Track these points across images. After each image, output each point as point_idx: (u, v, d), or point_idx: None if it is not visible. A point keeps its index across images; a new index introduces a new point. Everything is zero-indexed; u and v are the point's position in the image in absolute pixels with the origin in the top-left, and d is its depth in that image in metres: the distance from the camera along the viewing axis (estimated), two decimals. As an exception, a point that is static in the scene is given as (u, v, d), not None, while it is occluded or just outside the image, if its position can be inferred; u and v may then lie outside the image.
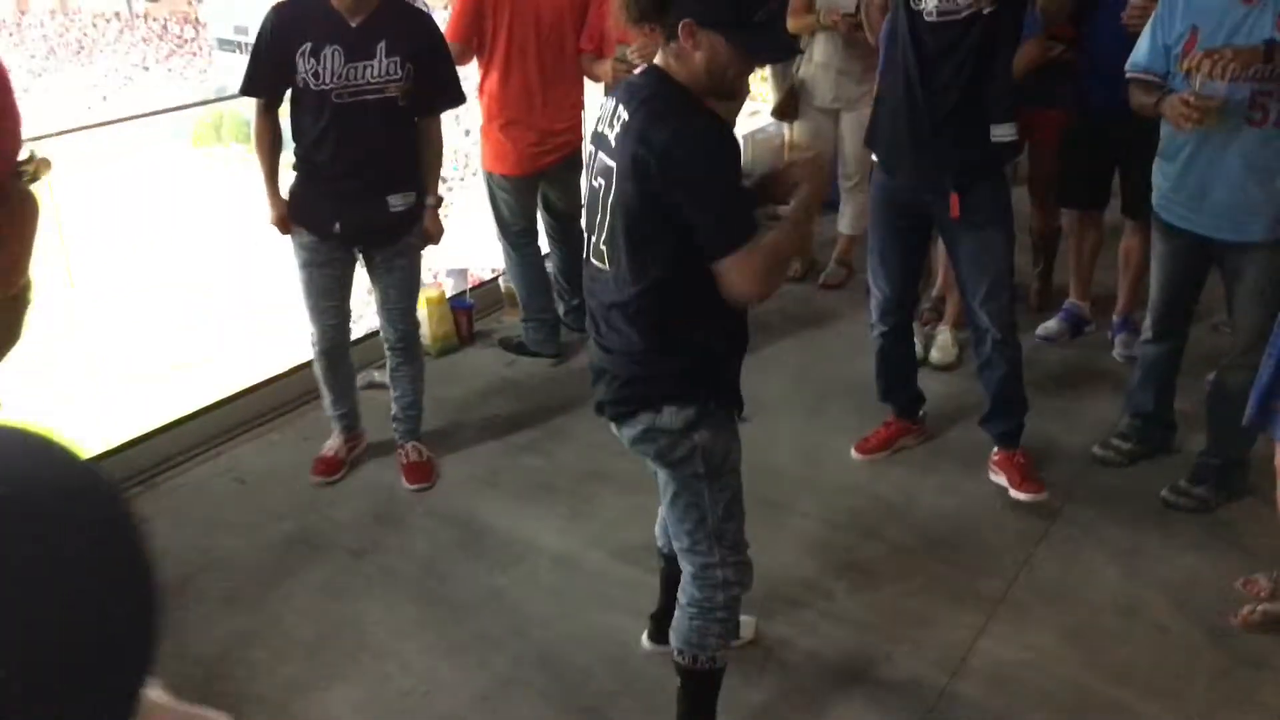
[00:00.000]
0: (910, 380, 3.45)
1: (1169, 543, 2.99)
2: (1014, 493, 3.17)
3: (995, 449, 3.26)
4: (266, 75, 2.97)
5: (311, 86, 2.90)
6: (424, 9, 3.15)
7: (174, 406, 3.78)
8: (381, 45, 2.91)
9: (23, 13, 42.92)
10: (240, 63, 3.09)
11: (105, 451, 3.44)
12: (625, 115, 1.89)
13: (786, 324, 4.27)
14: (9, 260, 0.61)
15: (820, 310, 4.47)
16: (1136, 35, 2.98)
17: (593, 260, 2.03)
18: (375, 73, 2.92)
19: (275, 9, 2.96)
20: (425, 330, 4.18)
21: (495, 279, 4.72)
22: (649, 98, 1.88)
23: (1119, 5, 3.39)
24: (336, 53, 2.88)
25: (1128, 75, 2.94)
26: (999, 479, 3.23)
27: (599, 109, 2.05)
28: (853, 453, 3.44)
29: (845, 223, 4.64)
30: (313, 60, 2.88)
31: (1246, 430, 2.72)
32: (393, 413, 3.45)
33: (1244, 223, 2.81)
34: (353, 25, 2.90)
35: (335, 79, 2.90)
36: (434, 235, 3.28)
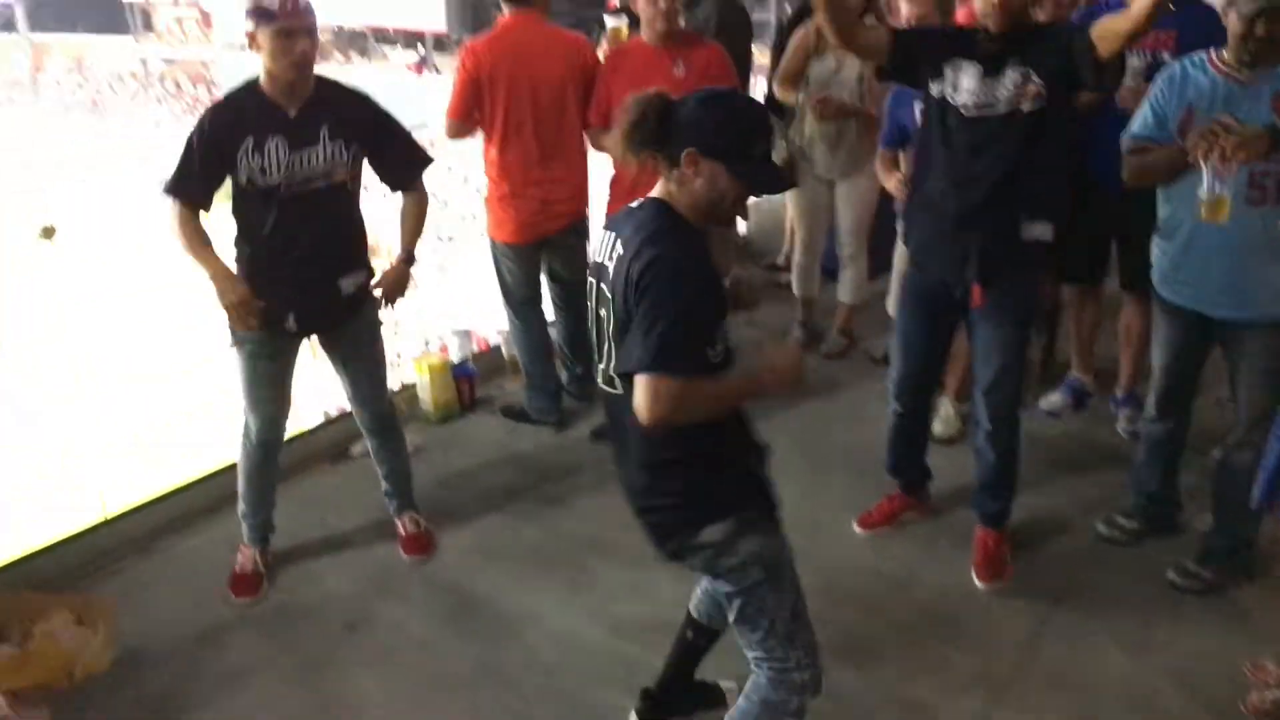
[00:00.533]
0: (920, 457, 3.42)
1: (1176, 625, 2.94)
2: (973, 574, 3.14)
3: (979, 523, 3.23)
4: (201, 180, 2.82)
5: (259, 183, 2.83)
6: (362, 89, 3.04)
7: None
8: (324, 130, 2.86)
9: (38, 70, 43.64)
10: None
11: (102, 520, 3.42)
12: (621, 249, 1.95)
13: (789, 394, 4.24)
14: None
15: (823, 380, 4.45)
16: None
17: (604, 387, 2.08)
18: (321, 159, 2.86)
19: (211, 110, 2.87)
20: (427, 396, 4.20)
21: (498, 345, 4.73)
22: (646, 223, 1.94)
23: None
24: (280, 144, 2.81)
25: (1124, 145, 2.92)
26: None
27: (600, 236, 2.08)
28: (855, 527, 3.41)
29: (845, 291, 4.65)
30: (257, 156, 2.81)
31: (1254, 510, 2.70)
32: (384, 489, 3.42)
33: (1245, 301, 2.81)
34: (292, 115, 2.84)
35: (282, 170, 2.83)
36: (394, 289, 3.12)
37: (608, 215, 3.82)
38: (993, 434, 3.05)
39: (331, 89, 2.93)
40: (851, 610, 3.04)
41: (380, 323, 3.23)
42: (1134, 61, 3.42)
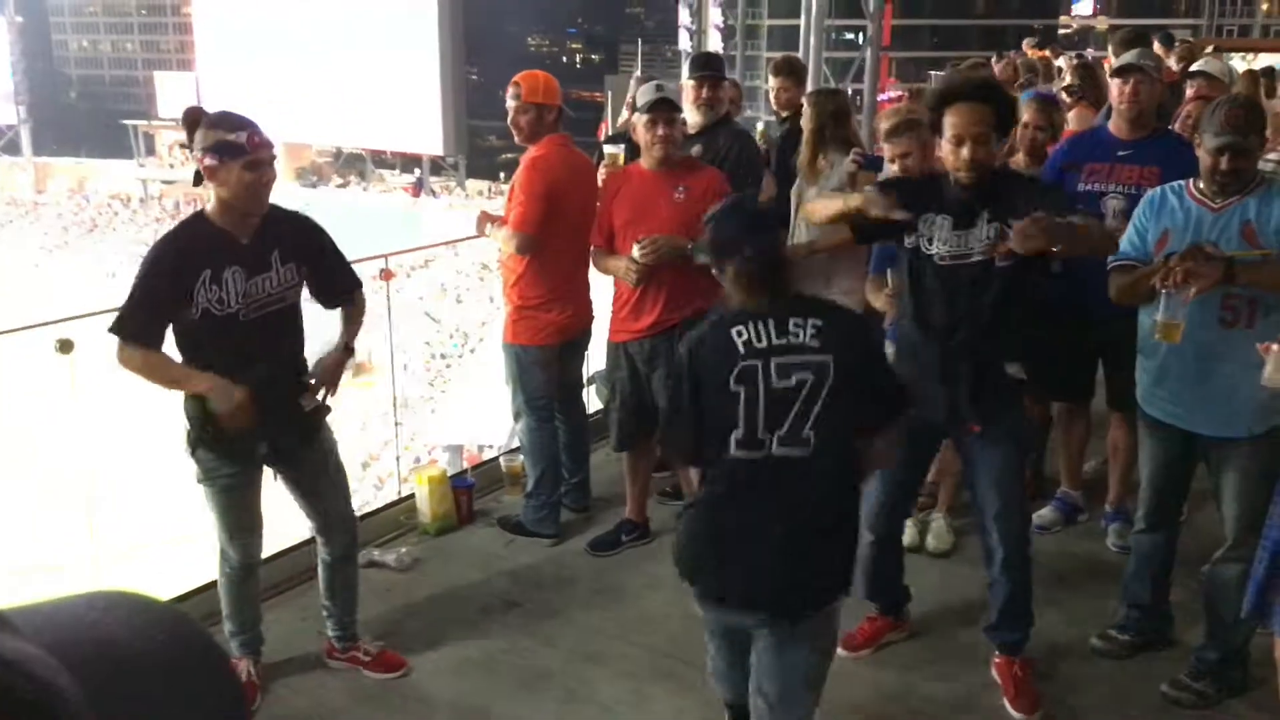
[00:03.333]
0: (897, 581, 3.38)
1: (1172, 739, 2.94)
2: (1008, 706, 3.11)
3: (997, 652, 3.22)
4: (158, 320, 2.79)
5: (215, 313, 2.80)
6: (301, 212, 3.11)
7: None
8: (275, 255, 2.89)
9: (40, 193, 44.45)
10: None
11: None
12: (812, 327, 2.27)
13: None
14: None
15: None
16: None
17: (784, 449, 2.27)
18: (275, 283, 2.89)
19: (161, 247, 2.85)
20: (425, 508, 4.22)
21: (496, 458, 4.77)
22: (840, 311, 2.36)
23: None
24: (237, 273, 2.82)
25: (1110, 265, 3.03)
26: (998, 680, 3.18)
27: (745, 331, 2.29)
28: (839, 649, 3.37)
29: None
30: (215, 287, 2.79)
31: (1244, 622, 2.73)
32: (334, 633, 3.31)
33: (1224, 419, 2.89)
34: (245, 243, 2.85)
35: (240, 299, 2.83)
36: (331, 377, 3.07)
37: (617, 330, 3.89)
38: (1008, 561, 3.04)
39: (277, 214, 2.96)
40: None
41: (336, 444, 3.21)
42: (1114, 203, 3.60)
